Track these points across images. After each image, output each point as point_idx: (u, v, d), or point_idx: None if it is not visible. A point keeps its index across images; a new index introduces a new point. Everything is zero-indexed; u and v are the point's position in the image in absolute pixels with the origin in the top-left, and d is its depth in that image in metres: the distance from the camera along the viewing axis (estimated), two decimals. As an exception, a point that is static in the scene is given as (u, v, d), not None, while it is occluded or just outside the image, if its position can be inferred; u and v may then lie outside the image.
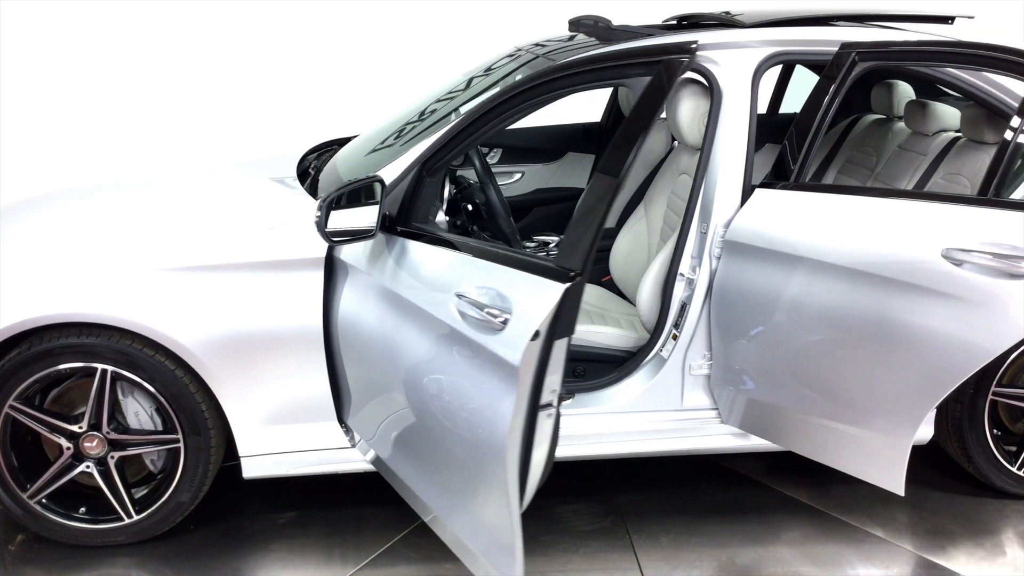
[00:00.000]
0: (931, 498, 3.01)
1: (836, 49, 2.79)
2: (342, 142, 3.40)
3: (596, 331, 3.00)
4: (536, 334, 1.75)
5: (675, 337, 2.81)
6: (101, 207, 3.02)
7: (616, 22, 3.20)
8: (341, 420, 2.70)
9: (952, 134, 3.33)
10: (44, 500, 2.65)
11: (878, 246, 2.40)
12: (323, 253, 2.54)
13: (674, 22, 3.34)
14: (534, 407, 1.81)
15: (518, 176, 4.32)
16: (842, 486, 3.03)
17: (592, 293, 3.40)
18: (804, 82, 4.33)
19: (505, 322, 1.88)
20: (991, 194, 2.37)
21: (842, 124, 4.09)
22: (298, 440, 2.71)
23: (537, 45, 3.19)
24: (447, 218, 2.88)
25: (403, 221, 2.44)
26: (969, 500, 2.99)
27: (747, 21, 2.90)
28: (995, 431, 2.94)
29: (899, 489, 2.48)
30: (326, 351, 2.60)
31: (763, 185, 2.74)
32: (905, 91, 3.67)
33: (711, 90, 2.82)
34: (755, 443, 2.84)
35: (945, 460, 3.10)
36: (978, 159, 3.10)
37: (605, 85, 2.35)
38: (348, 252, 2.53)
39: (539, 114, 4.38)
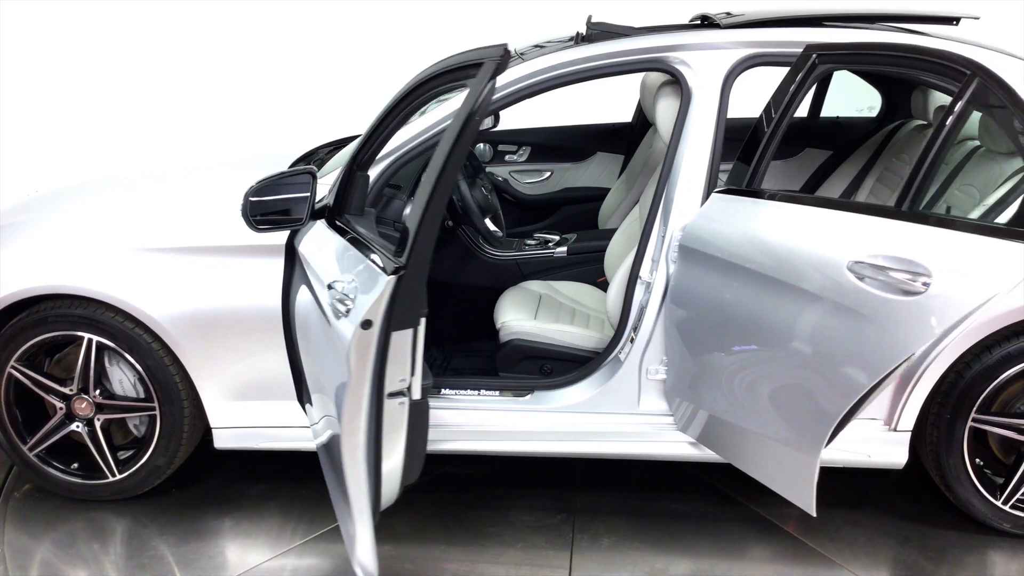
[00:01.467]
0: (906, 528, 2.85)
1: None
2: (347, 141, 3.55)
3: (563, 330, 3.03)
4: (367, 323, 1.82)
5: (632, 340, 2.79)
6: (93, 198, 3.26)
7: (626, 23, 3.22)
8: (302, 401, 2.85)
9: (976, 142, 3.12)
10: (42, 453, 2.94)
11: (798, 256, 2.32)
12: (283, 241, 2.70)
13: (698, 22, 3.29)
14: (378, 396, 1.88)
15: (547, 175, 4.37)
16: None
17: (581, 292, 3.41)
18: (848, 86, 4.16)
19: (349, 311, 1.96)
20: (905, 206, 2.23)
21: (885, 130, 3.89)
22: (264, 416, 2.88)
23: (536, 47, 3.23)
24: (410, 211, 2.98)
25: (338, 213, 2.56)
26: (948, 534, 2.81)
27: (724, 22, 2.84)
28: (978, 460, 2.76)
29: (810, 508, 2.37)
30: (287, 335, 2.76)
31: (722, 191, 2.68)
32: (941, 95, 3.46)
33: (681, 92, 2.78)
34: (711, 454, 2.78)
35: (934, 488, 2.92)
36: (991, 169, 2.91)
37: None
38: (303, 242, 2.67)
39: (568, 113, 4.42)
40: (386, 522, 2.86)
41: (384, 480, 2.04)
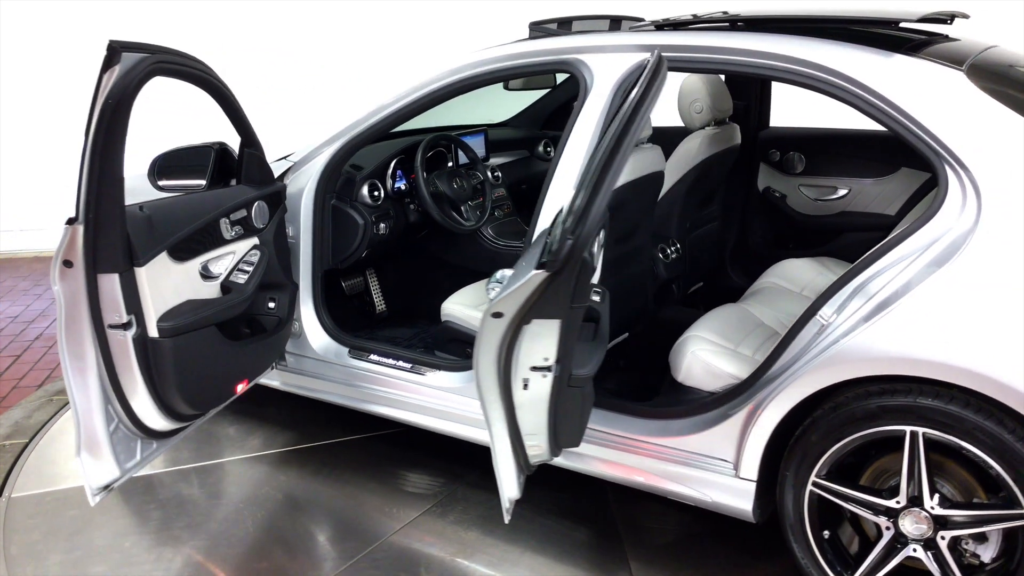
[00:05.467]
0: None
1: (720, 56, 2.54)
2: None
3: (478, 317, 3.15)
4: (67, 263, 2.22)
5: (509, 334, 2.85)
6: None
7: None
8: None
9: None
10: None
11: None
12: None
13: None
14: (98, 329, 2.29)
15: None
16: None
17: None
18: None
19: None
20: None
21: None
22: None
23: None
24: (369, 192, 3.33)
25: None
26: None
27: (635, 25, 2.74)
28: (827, 531, 2.37)
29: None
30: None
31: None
32: None
33: (581, 93, 2.77)
34: (566, 462, 2.76)
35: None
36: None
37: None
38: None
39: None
40: (300, 458, 3.32)
41: (136, 407, 2.46)
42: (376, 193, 3.36)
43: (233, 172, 2.92)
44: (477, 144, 3.91)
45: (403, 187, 3.49)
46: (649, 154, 3.00)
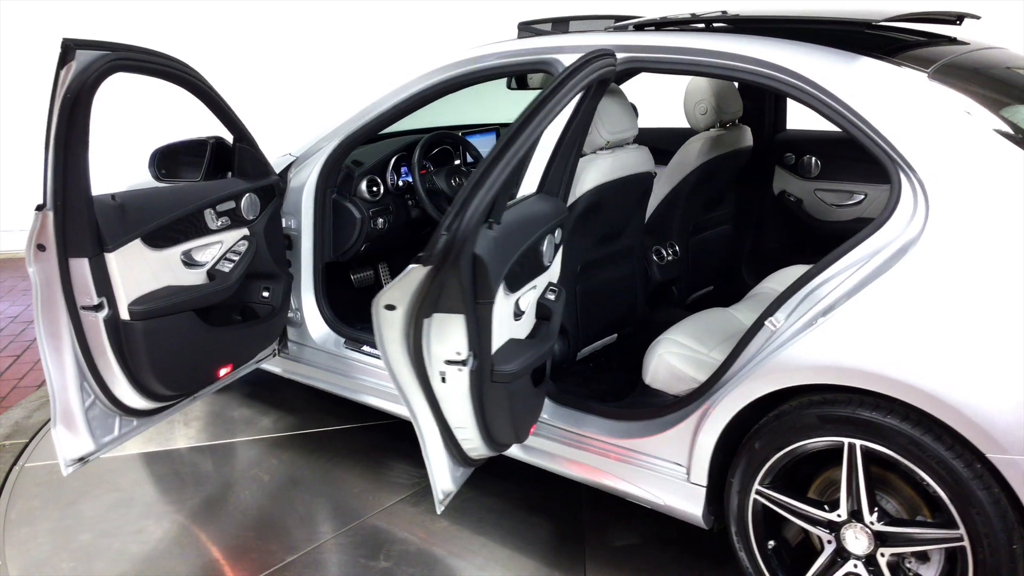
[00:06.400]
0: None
1: (686, 57, 2.52)
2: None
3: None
4: (41, 247, 2.36)
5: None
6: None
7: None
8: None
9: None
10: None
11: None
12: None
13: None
14: (72, 310, 2.43)
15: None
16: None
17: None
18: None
19: None
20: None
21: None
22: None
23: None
24: (367, 188, 3.42)
25: None
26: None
27: (617, 25, 2.74)
28: (772, 541, 2.33)
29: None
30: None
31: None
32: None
33: (560, 94, 2.78)
34: (527, 457, 2.78)
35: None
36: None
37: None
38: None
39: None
40: (295, 443, 3.44)
41: (111, 385, 2.59)
42: (375, 189, 3.44)
43: (229, 166, 3.06)
44: (488, 143, 3.95)
45: (403, 183, 3.57)
46: (633, 154, 2.99)
